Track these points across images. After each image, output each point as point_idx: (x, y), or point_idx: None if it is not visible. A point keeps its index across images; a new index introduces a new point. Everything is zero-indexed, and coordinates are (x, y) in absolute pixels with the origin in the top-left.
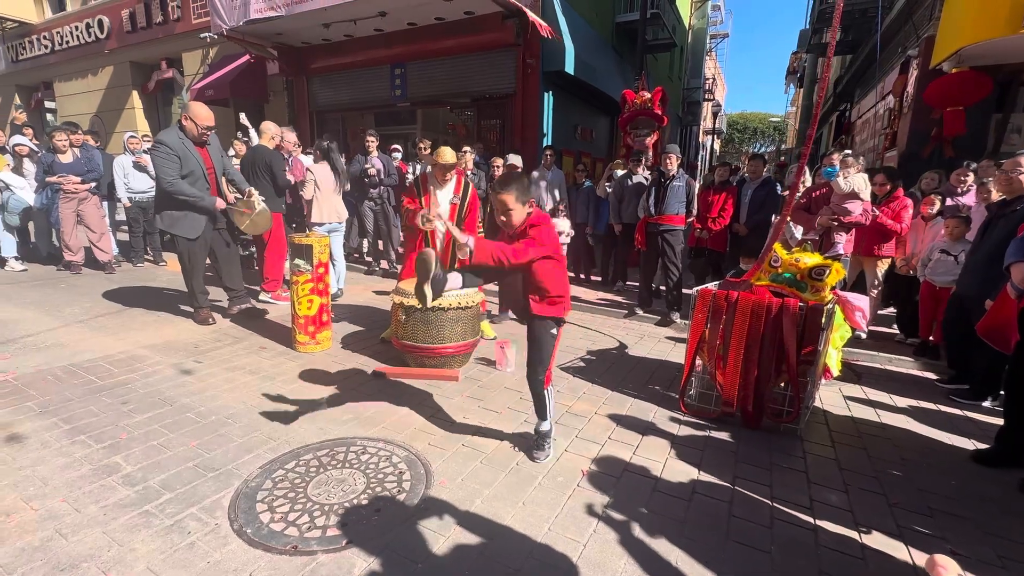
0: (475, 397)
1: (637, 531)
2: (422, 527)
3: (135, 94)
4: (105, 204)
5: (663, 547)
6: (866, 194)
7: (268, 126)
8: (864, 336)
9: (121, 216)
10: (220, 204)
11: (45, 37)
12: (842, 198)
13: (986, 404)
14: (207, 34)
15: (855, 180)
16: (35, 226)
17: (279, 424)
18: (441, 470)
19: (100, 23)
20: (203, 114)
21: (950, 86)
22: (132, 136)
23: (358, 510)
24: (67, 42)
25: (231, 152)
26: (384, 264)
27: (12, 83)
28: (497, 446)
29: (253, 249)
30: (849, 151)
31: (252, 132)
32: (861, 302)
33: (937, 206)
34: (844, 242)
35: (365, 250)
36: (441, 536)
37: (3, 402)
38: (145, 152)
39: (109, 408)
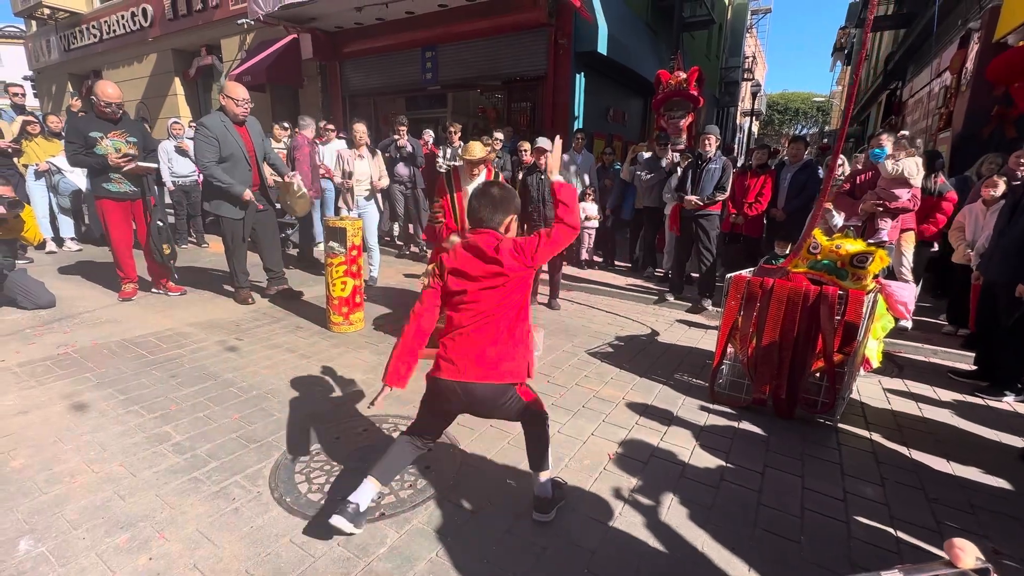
0: None
1: (663, 515)
2: (453, 503)
3: (177, 81)
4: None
5: (689, 532)
6: (917, 180)
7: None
8: (909, 327)
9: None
10: (247, 195)
11: (94, 27)
12: (890, 182)
13: (1008, 399)
14: (244, 20)
15: (905, 164)
16: (88, 208)
17: (315, 400)
18: (471, 449)
19: (144, 11)
20: (238, 89)
21: (1016, 61)
22: (175, 122)
23: (390, 484)
24: (114, 31)
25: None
26: (414, 248)
27: (65, 72)
28: None
29: (289, 232)
30: (905, 132)
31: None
32: (906, 291)
33: (1001, 188)
34: (889, 228)
35: (396, 233)
36: (470, 512)
37: (65, 373)
38: (189, 138)
39: (159, 381)
